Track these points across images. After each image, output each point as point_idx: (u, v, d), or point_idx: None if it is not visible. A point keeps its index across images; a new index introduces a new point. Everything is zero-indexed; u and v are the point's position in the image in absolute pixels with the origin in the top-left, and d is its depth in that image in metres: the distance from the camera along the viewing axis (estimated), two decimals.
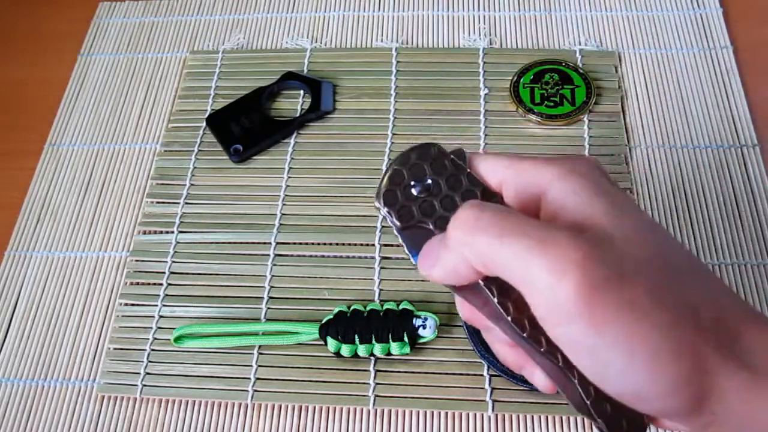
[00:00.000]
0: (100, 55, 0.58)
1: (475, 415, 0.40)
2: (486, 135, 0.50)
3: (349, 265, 0.45)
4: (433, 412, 0.40)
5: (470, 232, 0.22)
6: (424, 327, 0.40)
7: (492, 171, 0.25)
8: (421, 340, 0.41)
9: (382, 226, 0.46)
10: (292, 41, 0.57)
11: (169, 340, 0.43)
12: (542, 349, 0.23)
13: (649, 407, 0.21)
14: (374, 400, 0.40)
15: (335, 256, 0.46)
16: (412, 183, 0.26)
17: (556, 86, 0.51)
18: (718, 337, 0.21)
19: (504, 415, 0.40)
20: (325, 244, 0.46)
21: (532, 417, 0.40)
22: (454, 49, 0.55)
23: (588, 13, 0.56)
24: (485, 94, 0.52)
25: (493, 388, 0.40)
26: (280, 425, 0.41)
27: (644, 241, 0.22)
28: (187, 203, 0.49)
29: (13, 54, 0.59)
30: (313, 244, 0.46)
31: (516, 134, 0.50)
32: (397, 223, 0.26)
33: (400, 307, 0.42)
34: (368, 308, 0.42)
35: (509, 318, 0.23)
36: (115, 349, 0.44)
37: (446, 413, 0.40)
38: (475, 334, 0.41)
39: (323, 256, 0.46)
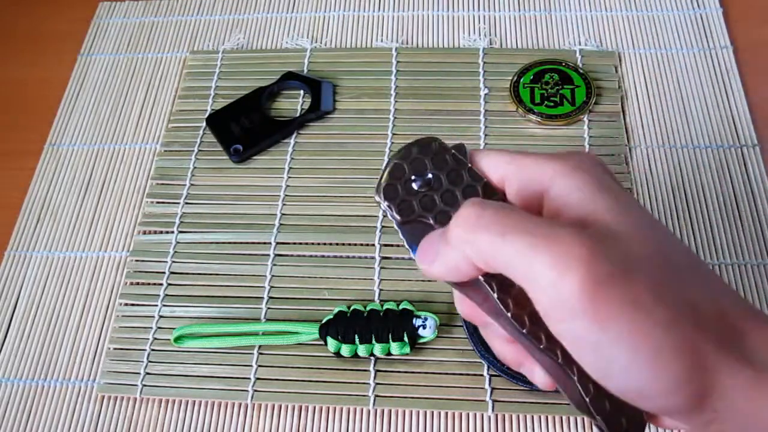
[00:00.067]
0: (100, 55, 0.58)
1: (475, 415, 0.40)
2: (486, 135, 0.50)
3: (349, 265, 0.45)
4: (433, 412, 0.40)
5: (472, 229, 0.22)
6: (424, 327, 0.40)
7: (494, 167, 0.25)
8: (421, 340, 0.41)
9: (382, 226, 0.46)
10: (292, 41, 0.57)
11: (169, 340, 0.42)
12: (542, 346, 0.23)
13: (651, 405, 0.21)
14: (374, 400, 0.40)
15: (335, 256, 0.46)
16: (413, 177, 0.26)
17: (556, 86, 0.51)
18: (720, 335, 0.21)
19: (504, 415, 0.40)
20: (325, 244, 0.46)
21: (532, 417, 0.40)
22: (454, 49, 0.55)
23: (588, 13, 0.56)
24: (485, 94, 0.52)
25: (493, 388, 0.40)
26: (280, 425, 0.41)
27: (645, 238, 0.22)
28: (187, 203, 0.49)
29: (13, 54, 0.59)
30: (313, 244, 0.46)
31: (516, 134, 0.50)
32: (398, 218, 0.26)
33: (400, 307, 0.42)
34: (368, 308, 0.42)
35: (509, 314, 0.23)
36: (115, 349, 0.44)
37: (446, 413, 0.40)
38: (475, 334, 0.41)
39: (323, 256, 0.46)
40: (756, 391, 0.20)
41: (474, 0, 0.58)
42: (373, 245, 0.46)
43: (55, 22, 0.61)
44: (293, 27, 0.58)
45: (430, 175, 0.26)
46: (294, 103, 0.53)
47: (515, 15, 0.57)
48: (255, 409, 0.41)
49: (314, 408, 0.41)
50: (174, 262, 0.46)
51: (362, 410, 0.41)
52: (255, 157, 0.50)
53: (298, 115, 0.52)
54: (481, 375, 0.41)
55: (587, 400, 0.23)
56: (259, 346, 0.43)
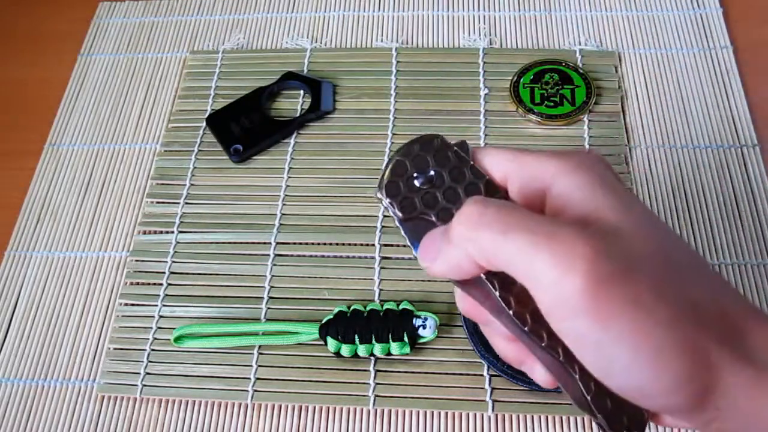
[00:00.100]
0: (100, 55, 0.58)
1: (475, 415, 0.40)
2: (486, 135, 0.50)
3: (349, 265, 0.45)
4: (433, 412, 0.40)
5: (474, 227, 0.22)
6: (424, 327, 0.40)
7: (496, 164, 0.25)
8: (421, 340, 0.41)
9: (382, 226, 0.46)
10: (292, 41, 0.57)
11: (169, 340, 0.42)
12: (543, 344, 0.23)
13: (653, 403, 0.21)
14: (374, 400, 0.40)
15: (335, 256, 0.46)
16: (415, 174, 0.26)
17: (556, 86, 0.51)
18: (721, 333, 0.21)
19: (504, 415, 0.40)
20: (325, 244, 0.46)
21: (532, 417, 0.40)
22: (454, 49, 0.55)
23: (588, 13, 0.57)
24: (485, 94, 0.52)
25: (493, 388, 0.40)
26: (280, 425, 0.41)
27: (647, 236, 0.21)
28: (187, 203, 0.49)
29: (13, 54, 0.59)
30: (313, 244, 0.46)
31: (516, 134, 0.50)
32: (399, 215, 0.26)
33: (400, 307, 0.42)
34: (368, 308, 0.42)
35: (511, 312, 0.23)
36: (115, 349, 0.44)
37: (446, 413, 0.40)
38: (475, 334, 0.41)
39: (323, 256, 0.46)
40: (757, 390, 0.20)
41: (474, 0, 0.58)
42: (373, 245, 0.46)
43: (55, 22, 0.61)
44: (293, 27, 0.58)
45: (432, 173, 0.26)
46: (294, 103, 0.53)
47: (515, 15, 0.57)
48: (255, 409, 0.41)
49: (314, 408, 0.41)
50: (174, 262, 0.46)
51: (362, 410, 0.41)
52: (255, 157, 0.50)
53: (298, 115, 0.52)
54: (481, 375, 0.41)
55: (588, 398, 0.22)
56: (259, 346, 0.43)
